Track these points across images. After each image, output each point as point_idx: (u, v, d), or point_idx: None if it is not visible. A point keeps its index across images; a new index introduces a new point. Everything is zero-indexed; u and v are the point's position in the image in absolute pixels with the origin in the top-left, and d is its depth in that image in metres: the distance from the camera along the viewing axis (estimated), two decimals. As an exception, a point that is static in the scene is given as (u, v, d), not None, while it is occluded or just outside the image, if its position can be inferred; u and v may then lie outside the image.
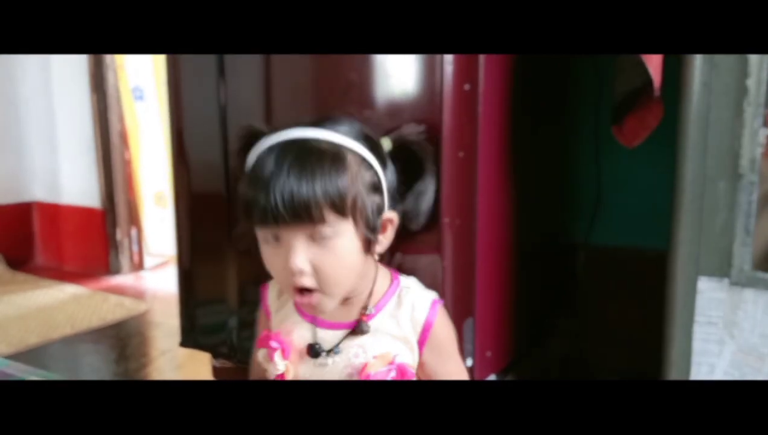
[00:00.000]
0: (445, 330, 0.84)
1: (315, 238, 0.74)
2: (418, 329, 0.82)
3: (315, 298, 0.76)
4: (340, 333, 0.82)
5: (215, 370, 1.37)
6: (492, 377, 1.20)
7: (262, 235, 0.77)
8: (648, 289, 1.13)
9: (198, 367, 1.80)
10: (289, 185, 0.71)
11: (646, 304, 1.16)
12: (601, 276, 1.60)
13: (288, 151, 0.74)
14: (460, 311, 1.06)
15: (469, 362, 1.10)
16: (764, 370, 0.93)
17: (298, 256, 0.73)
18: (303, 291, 0.76)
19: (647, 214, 1.52)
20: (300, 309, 0.85)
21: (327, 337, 0.83)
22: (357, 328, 0.81)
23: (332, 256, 0.74)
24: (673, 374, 0.97)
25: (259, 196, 0.72)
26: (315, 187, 0.71)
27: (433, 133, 0.96)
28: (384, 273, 0.85)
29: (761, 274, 0.91)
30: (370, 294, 0.83)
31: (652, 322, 1.06)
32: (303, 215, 0.72)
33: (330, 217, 0.73)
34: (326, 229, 0.73)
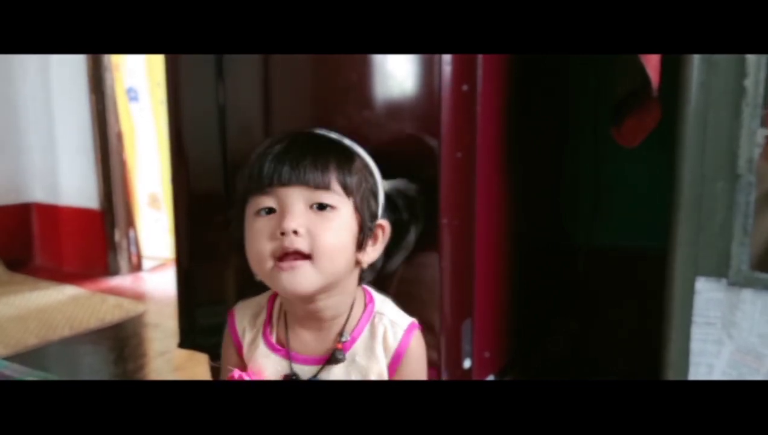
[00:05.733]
0: (413, 362, 0.80)
1: (314, 208, 0.73)
2: (390, 356, 0.79)
3: (303, 266, 0.72)
4: (315, 368, 0.79)
5: (214, 371, 1.37)
6: (491, 377, 1.20)
7: (255, 206, 0.74)
8: (647, 289, 1.13)
9: (196, 368, 1.80)
10: (303, 150, 0.74)
11: (646, 304, 1.16)
12: (601, 276, 1.60)
13: (300, 136, 0.78)
14: (458, 312, 1.06)
15: (468, 363, 1.10)
16: (762, 370, 0.93)
17: (296, 217, 0.72)
18: (290, 256, 0.72)
19: (646, 215, 1.52)
20: (272, 344, 0.81)
21: (301, 373, 0.80)
22: (332, 358, 0.78)
23: (329, 224, 0.73)
24: (672, 374, 0.97)
25: (266, 163, 0.73)
26: (328, 155, 0.74)
27: (428, 134, 0.96)
28: (360, 295, 0.82)
29: (759, 275, 0.91)
30: (347, 320, 0.80)
31: (651, 322, 1.06)
32: (312, 176, 0.72)
33: (336, 187, 0.74)
34: (329, 198, 0.73)
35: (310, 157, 0.73)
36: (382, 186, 0.82)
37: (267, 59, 1.13)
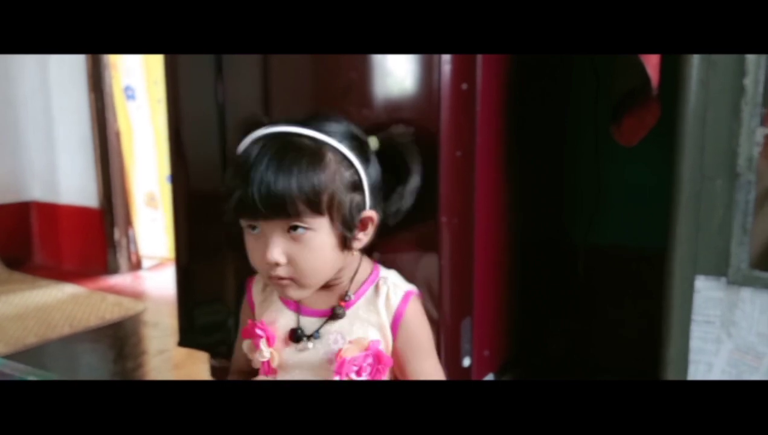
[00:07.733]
0: (416, 321, 0.86)
1: (291, 232, 0.77)
2: (391, 314, 0.85)
3: (290, 285, 0.80)
4: (320, 320, 0.86)
5: (213, 370, 1.37)
6: (490, 376, 1.20)
7: (244, 224, 0.80)
8: (647, 288, 1.13)
9: (195, 366, 1.80)
10: (266, 179, 0.74)
11: (646, 303, 1.16)
12: (601, 276, 1.60)
13: (270, 145, 0.77)
14: (457, 310, 1.06)
15: (467, 361, 1.10)
16: (761, 369, 0.93)
17: (274, 248, 0.77)
18: (278, 278, 0.79)
19: (647, 214, 1.52)
20: (284, 299, 0.88)
21: (309, 324, 0.86)
22: (333, 313, 0.85)
23: (307, 250, 0.78)
24: (671, 372, 0.98)
25: (238, 188, 0.76)
26: (290, 183, 0.74)
27: (427, 133, 0.96)
28: (367, 263, 0.89)
29: (758, 273, 0.92)
30: (351, 282, 0.86)
31: (651, 321, 1.06)
32: (278, 209, 0.75)
33: (305, 212, 0.76)
34: (301, 224, 0.76)
35: (272, 190, 0.74)
36: (366, 172, 0.82)
37: (266, 58, 1.13)
